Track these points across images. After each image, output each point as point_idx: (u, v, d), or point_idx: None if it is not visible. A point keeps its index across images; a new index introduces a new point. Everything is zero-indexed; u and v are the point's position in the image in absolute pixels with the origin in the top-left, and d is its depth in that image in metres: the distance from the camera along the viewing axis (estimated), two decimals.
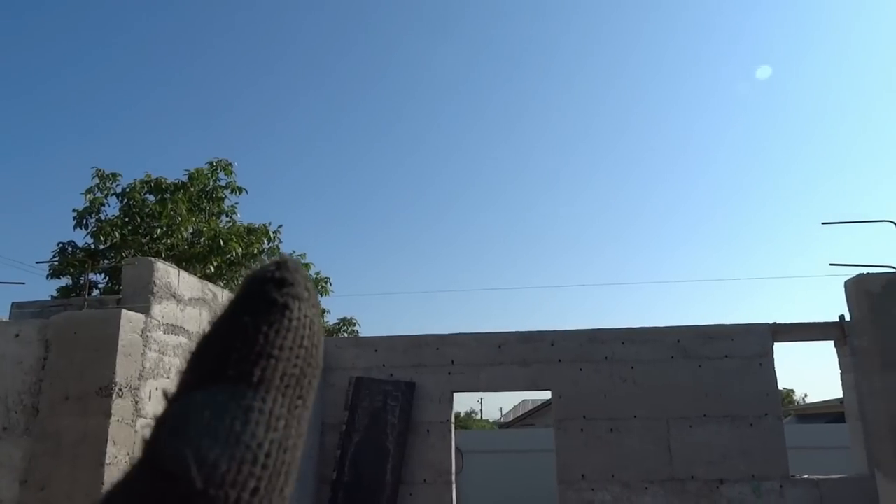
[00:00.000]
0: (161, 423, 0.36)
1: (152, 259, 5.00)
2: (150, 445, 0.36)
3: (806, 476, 7.47)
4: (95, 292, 10.77)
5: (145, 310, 4.73)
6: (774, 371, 7.67)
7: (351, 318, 13.77)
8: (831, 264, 4.50)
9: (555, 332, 8.04)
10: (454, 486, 7.80)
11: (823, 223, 4.75)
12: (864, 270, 4.24)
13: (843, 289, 4.42)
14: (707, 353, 7.75)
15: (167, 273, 5.01)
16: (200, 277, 9.30)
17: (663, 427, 7.58)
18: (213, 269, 10.66)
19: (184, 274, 5.29)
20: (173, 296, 5.05)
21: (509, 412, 36.53)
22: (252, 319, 0.39)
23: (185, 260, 10.58)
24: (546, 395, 8.99)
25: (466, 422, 38.26)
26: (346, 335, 13.15)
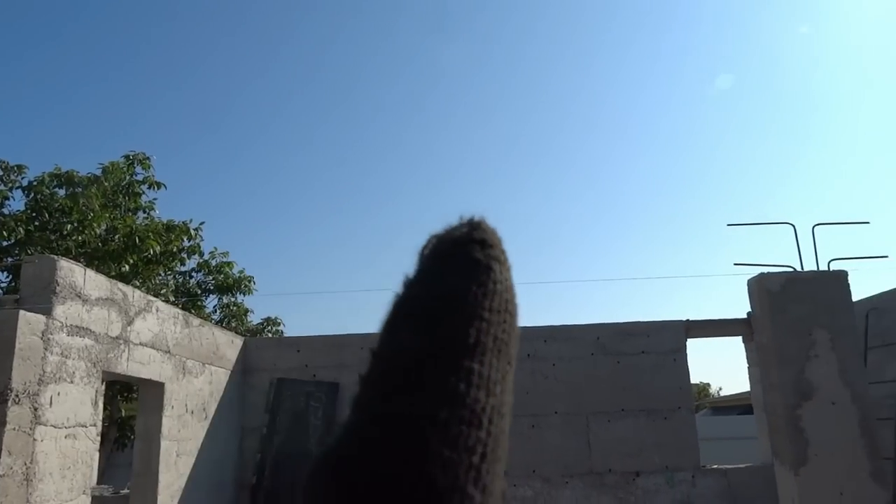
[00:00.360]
0: (374, 381, 0.34)
1: (54, 257, 4.73)
2: (371, 403, 0.33)
3: (715, 466, 7.82)
4: None
5: (47, 310, 4.47)
6: (687, 366, 7.99)
7: (275, 318, 13.49)
8: (735, 264, 4.71)
9: None
10: None
11: (729, 225, 5.00)
12: (766, 270, 4.47)
13: (746, 287, 4.69)
14: (625, 350, 7.99)
15: (71, 271, 4.76)
16: (115, 276, 8.89)
17: (583, 422, 7.77)
18: (128, 268, 10.22)
19: (90, 272, 5.04)
20: (78, 295, 4.80)
21: None
22: (461, 280, 0.35)
23: (99, 258, 10.09)
24: None
25: None
26: (270, 335, 12.87)
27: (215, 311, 12.44)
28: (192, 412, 6.53)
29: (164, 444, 5.93)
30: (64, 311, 4.64)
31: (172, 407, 6.12)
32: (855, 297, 4.69)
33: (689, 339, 8.07)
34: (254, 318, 13.07)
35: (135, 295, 5.62)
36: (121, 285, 5.45)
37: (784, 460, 4.36)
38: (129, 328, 5.45)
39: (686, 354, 8.00)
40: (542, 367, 7.93)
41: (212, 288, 12.41)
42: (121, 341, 5.33)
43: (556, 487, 7.58)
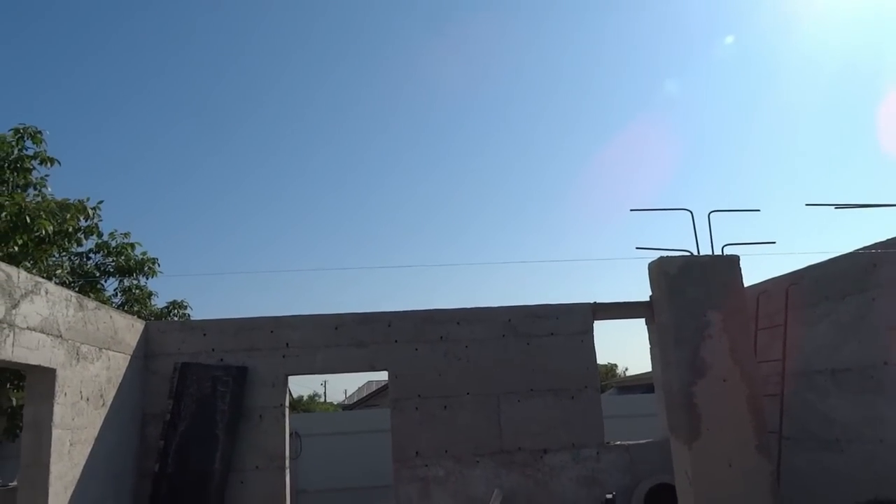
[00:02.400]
0: None
1: None
2: None
3: (619, 442, 8.15)
4: None
5: None
6: (594, 347, 8.27)
7: (182, 301, 12.91)
8: (637, 248, 4.89)
9: (392, 313, 8.09)
10: (287, 470, 7.63)
11: (631, 210, 5.16)
12: (665, 254, 4.66)
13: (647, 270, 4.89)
14: (535, 332, 8.18)
15: None
16: (2, 258, 8.28)
17: (494, 402, 7.91)
18: (17, 249, 9.52)
19: None
20: None
21: (353, 394, 36.51)
22: None
23: None
24: None
25: (310, 405, 37.70)
26: (176, 319, 12.35)
27: (116, 294, 11.81)
28: (88, 399, 6.19)
29: (55, 433, 5.59)
30: None
31: (65, 394, 5.78)
32: (746, 282, 4.97)
33: (596, 321, 8.35)
34: (158, 302, 12.51)
35: (20, 276, 5.25)
36: (3, 266, 5.07)
37: (679, 435, 4.59)
38: (13, 311, 5.09)
39: (593, 336, 8.28)
40: (455, 349, 8.01)
41: (112, 270, 11.76)
42: (4, 325, 4.96)
43: (467, 466, 7.70)
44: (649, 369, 9.79)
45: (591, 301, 8.35)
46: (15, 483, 6.22)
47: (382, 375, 9.17)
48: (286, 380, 7.82)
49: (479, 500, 7.60)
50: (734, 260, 4.74)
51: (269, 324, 7.87)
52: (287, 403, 7.85)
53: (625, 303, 8.38)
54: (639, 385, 21.12)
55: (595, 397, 8.14)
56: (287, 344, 7.82)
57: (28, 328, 5.27)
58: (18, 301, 5.17)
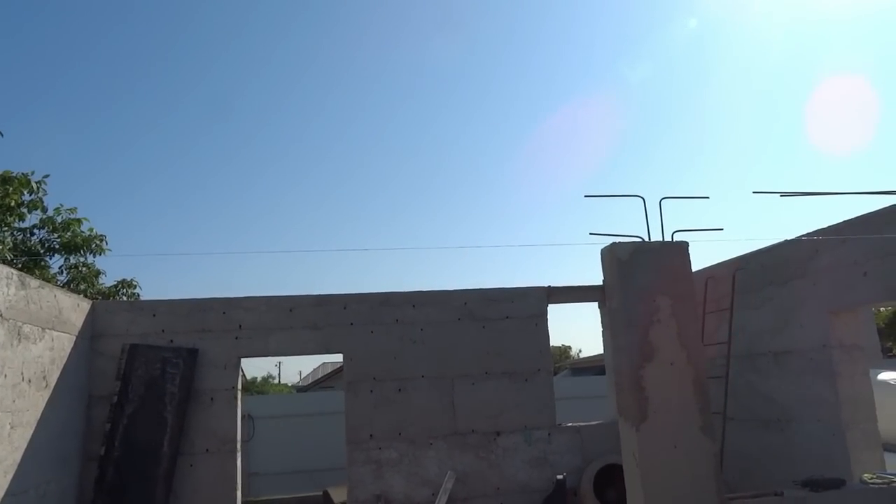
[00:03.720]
0: None
1: None
2: None
3: (570, 424, 8.31)
4: None
5: None
6: (548, 330, 8.38)
7: (131, 280, 12.56)
8: (591, 233, 4.95)
9: (347, 295, 8.03)
10: (239, 453, 7.55)
11: (585, 196, 5.21)
12: (617, 240, 4.73)
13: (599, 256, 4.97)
14: (490, 315, 8.24)
15: None
16: None
17: (448, 385, 7.96)
18: None
19: None
20: None
21: (308, 375, 36.29)
22: None
23: None
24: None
25: (263, 386, 37.34)
26: (125, 299, 12.03)
27: (61, 272, 11.44)
28: (30, 381, 6.00)
29: None
30: None
31: (5, 376, 5.58)
32: (695, 267, 5.09)
33: (550, 304, 8.45)
34: (106, 281, 12.16)
35: None
36: None
37: (627, 417, 4.69)
38: None
39: (547, 319, 8.39)
40: (411, 332, 8.01)
41: (57, 247, 11.38)
42: None
43: (420, 448, 7.74)
44: (602, 352, 9.98)
45: (546, 285, 8.45)
46: None
47: (337, 358, 9.14)
48: (239, 362, 7.71)
49: (433, 482, 7.66)
50: (683, 246, 4.85)
51: (222, 305, 7.74)
52: (239, 386, 7.75)
53: (578, 287, 8.50)
54: (592, 367, 21.53)
55: (548, 380, 8.26)
56: (240, 326, 7.71)
57: None
58: None
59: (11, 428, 5.67)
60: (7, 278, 5.72)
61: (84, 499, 6.91)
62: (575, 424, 8.30)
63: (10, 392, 5.67)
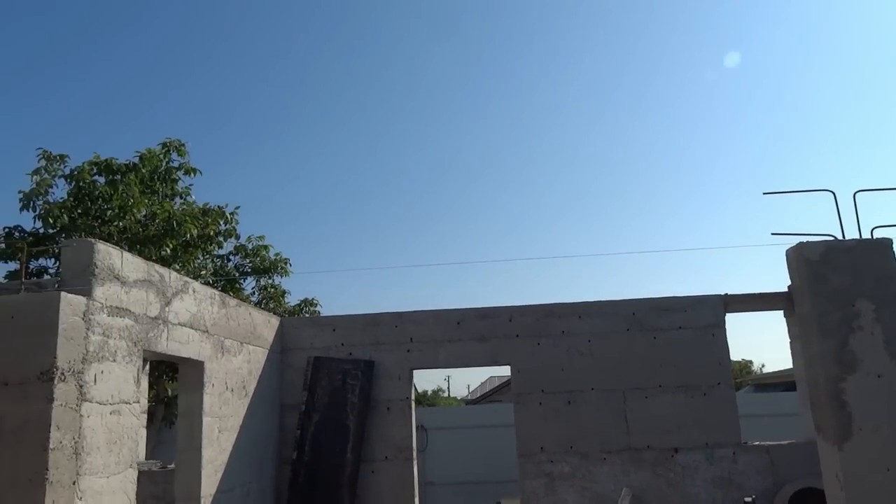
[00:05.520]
0: None
1: (92, 240, 4.84)
2: None
3: (757, 443, 7.68)
4: (46, 277, 10.47)
5: (87, 292, 4.59)
6: (727, 341, 7.84)
7: (312, 299, 13.62)
8: (773, 234, 4.57)
9: (512, 307, 8.08)
10: (415, 462, 7.83)
11: (765, 193, 4.79)
12: (805, 239, 4.32)
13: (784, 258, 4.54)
14: (662, 325, 7.87)
15: (109, 254, 4.87)
16: (156, 260, 9.09)
17: (619, 398, 7.70)
18: (168, 252, 10.43)
19: (127, 255, 5.15)
20: (116, 277, 4.92)
21: (476, 389, 36.83)
22: None
23: (140, 242, 10.31)
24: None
25: (434, 399, 38.47)
26: (307, 315, 13.02)
27: (254, 293, 12.64)
28: (233, 390, 6.67)
29: (205, 420, 6.08)
30: (104, 292, 4.76)
31: (213, 385, 6.26)
32: None
33: (728, 314, 7.91)
34: (291, 300, 13.25)
35: (171, 276, 5.74)
36: (157, 267, 5.57)
37: (827, 435, 4.25)
38: (167, 308, 5.58)
39: (725, 329, 7.85)
40: (577, 344, 7.87)
41: (249, 270, 12.60)
42: (160, 321, 5.45)
43: (593, 463, 7.55)
44: (789, 366, 9.14)
45: (723, 293, 7.92)
46: (172, 465, 6.81)
47: (504, 371, 9.18)
48: (411, 373, 8.02)
49: (608, 499, 7.43)
50: (885, 243, 4.32)
51: (393, 319, 8.12)
52: (413, 396, 8.05)
53: (760, 294, 7.86)
54: (778, 382, 19.77)
55: (729, 394, 7.71)
56: (411, 339, 8.03)
57: (179, 324, 5.75)
58: (171, 299, 5.65)
59: (219, 432, 6.33)
60: (211, 298, 6.42)
61: (280, 499, 7.53)
62: (763, 443, 7.66)
63: (217, 399, 6.35)
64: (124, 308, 4.98)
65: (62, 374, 4.28)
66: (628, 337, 7.87)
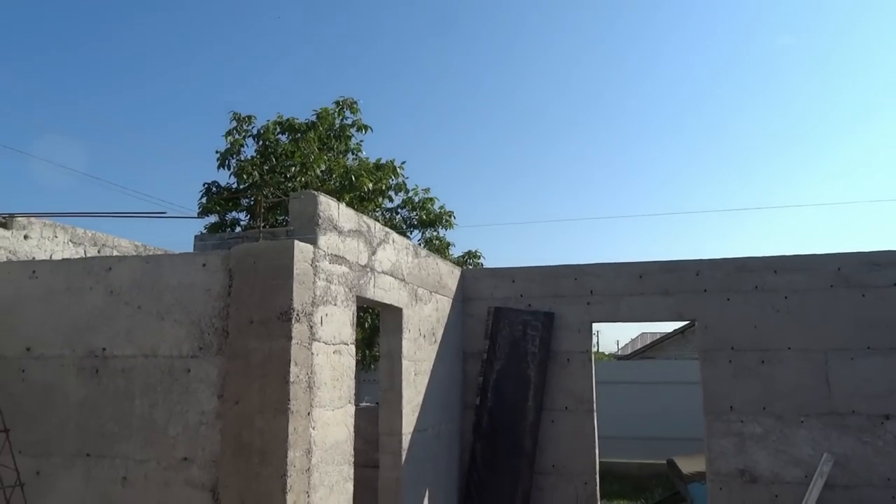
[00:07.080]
0: None
1: (315, 192, 5.18)
2: None
3: None
4: (238, 229, 11.43)
5: (312, 241, 4.93)
6: None
7: (475, 252, 13.86)
8: None
9: (700, 261, 7.73)
10: (595, 414, 7.83)
11: None
12: None
13: None
14: (872, 282, 7.21)
15: (328, 206, 5.19)
16: None
17: (821, 359, 7.20)
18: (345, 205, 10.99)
19: (342, 206, 5.46)
20: (335, 227, 5.24)
21: (627, 345, 36.16)
22: None
23: None
24: (667, 327, 8.75)
25: None
26: (470, 267, 13.29)
27: (421, 245, 13.06)
28: (424, 336, 6.97)
29: (404, 363, 6.42)
30: (325, 241, 5.10)
31: (409, 330, 6.57)
32: None
33: None
34: (455, 252, 13.55)
35: (376, 227, 6.03)
36: (365, 218, 5.86)
37: None
38: (373, 257, 5.88)
39: None
40: (772, 300, 7.42)
41: (415, 223, 13.00)
42: (368, 269, 5.77)
43: (788, 426, 7.16)
44: None
45: None
46: (377, 403, 7.28)
47: (655, 327, 8.86)
48: (591, 327, 7.97)
49: (805, 463, 7.04)
50: None
51: (573, 272, 8.06)
52: (593, 349, 8.01)
53: None
54: None
55: None
56: (591, 291, 7.94)
57: (382, 272, 6.06)
58: (375, 248, 5.96)
59: (415, 375, 6.67)
60: (406, 248, 6.69)
61: (465, 441, 7.85)
62: None
63: (412, 344, 6.66)
64: (341, 256, 5.30)
65: (297, 315, 4.66)
66: (832, 293, 7.29)
